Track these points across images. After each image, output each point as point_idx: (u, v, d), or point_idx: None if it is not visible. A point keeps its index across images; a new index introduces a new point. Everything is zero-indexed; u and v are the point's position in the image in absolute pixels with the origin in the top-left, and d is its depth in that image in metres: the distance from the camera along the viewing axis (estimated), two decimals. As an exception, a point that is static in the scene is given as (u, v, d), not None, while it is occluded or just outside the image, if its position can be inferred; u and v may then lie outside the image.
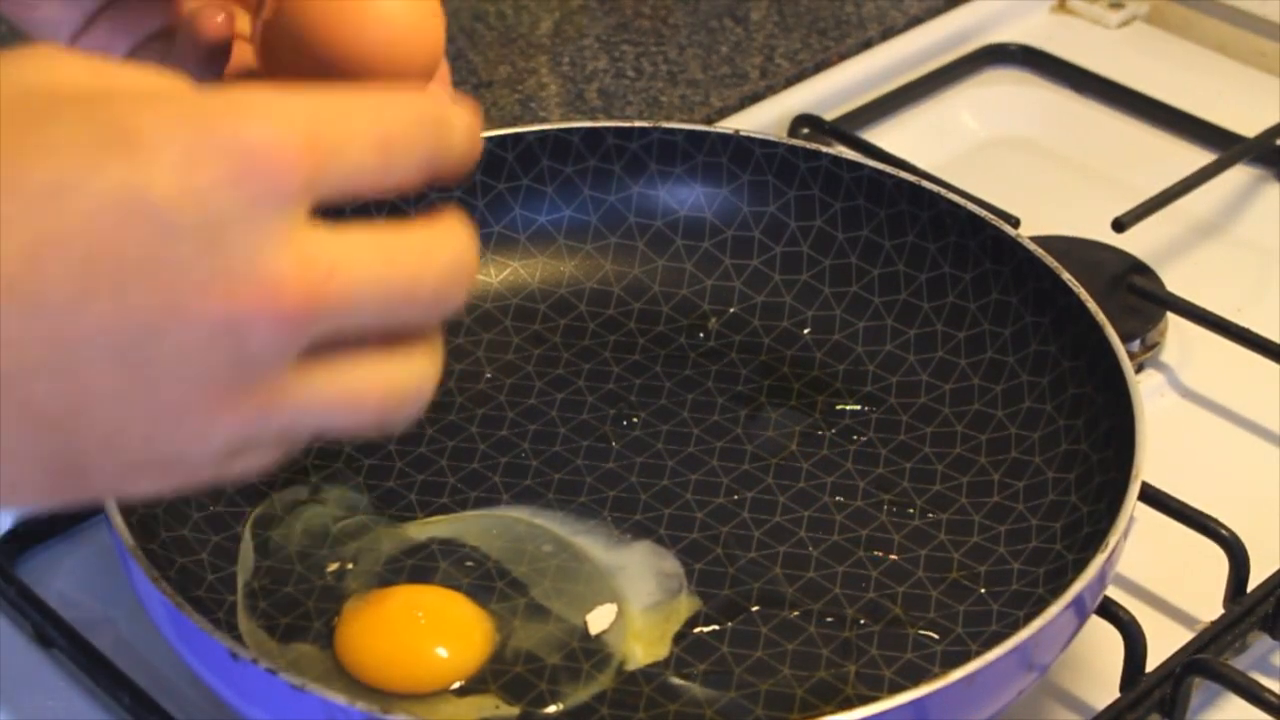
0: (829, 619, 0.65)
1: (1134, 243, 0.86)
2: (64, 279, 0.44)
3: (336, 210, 0.47)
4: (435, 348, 0.49)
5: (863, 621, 0.65)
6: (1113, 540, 0.61)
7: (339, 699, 0.54)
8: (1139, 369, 0.82)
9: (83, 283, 0.44)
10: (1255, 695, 0.64)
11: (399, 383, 0.48)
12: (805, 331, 0.77)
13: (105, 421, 0.45)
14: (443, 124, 0.49)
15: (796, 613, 0.66)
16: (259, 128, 0.44)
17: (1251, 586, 0.69)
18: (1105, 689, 0.66)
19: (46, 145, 0.44)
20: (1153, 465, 0.65)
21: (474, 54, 1.00)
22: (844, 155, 0.78)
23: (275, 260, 0.44)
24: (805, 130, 0.93)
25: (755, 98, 0.98)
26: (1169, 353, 0.83)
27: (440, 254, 0.48)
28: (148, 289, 0.44)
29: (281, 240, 0.45)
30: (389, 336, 0.48)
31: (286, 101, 0.46)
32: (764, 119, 0.96)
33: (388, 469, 0.71)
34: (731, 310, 0.78)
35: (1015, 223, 0.82)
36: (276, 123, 0.45)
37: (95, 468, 0.46)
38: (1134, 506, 0.62)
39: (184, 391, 0.45)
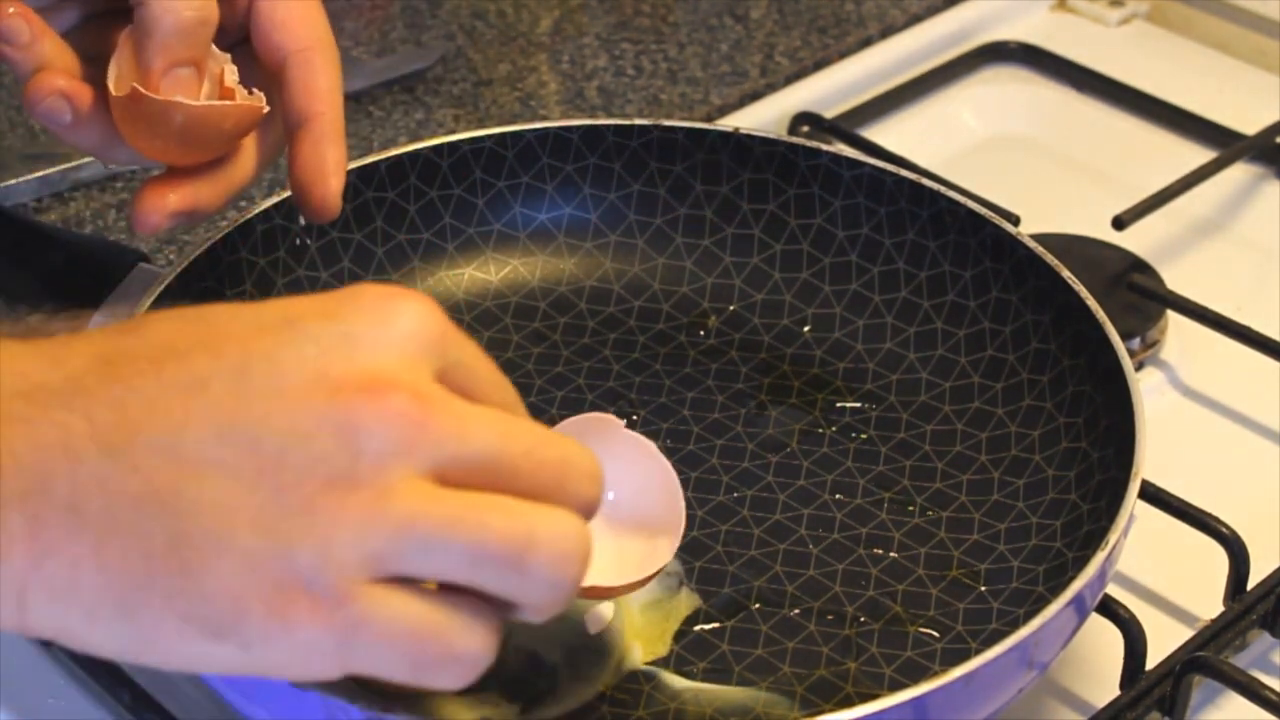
0: (829, 617, 0.65)
1: (1134, 240, 0.86)
2: (185, 368, 0.46)
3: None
4: (495, 634, 0.49)
5: (863, 619, 0.65)
6: (1113, 538, 0.61)
7: (339, 698, 0.54)
8: (1139, 367, 0.82)
9: (204, 364, 0.46)
10: (1255, 693, 0.64)
11: (458, 640, 0.48)
12: (805, 329, 0.77)
13: (212, 499, 0.45)
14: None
15: (796, 610, 0.66)
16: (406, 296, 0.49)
17: (1251, 584, 0.69)
18: (1105, 687, 0.66)
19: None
20: (1153, 463, 0.65)
21: (474, 52, 1.00)
22: (844, 153, 0.78)
23: (391, 371, 0.47)
24: (805, 128, 0.93)
25: (755, 96, 0.98)
26: (1169, 351, 0.83)
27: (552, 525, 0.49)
28: (265, 370, 0.46)
29: (404, 365, 0.47)
30: (468, 593, 0.48)
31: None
32: (764, 117, 0.96)
33: (388, 467, 0.70)
34: (731, 308, 0.78)
35: (1015, 220, 0.82)
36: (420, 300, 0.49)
37: (199, 562, 0.45)
38: (1134, 504, 0.62)
39: (289, 476, 0.46)
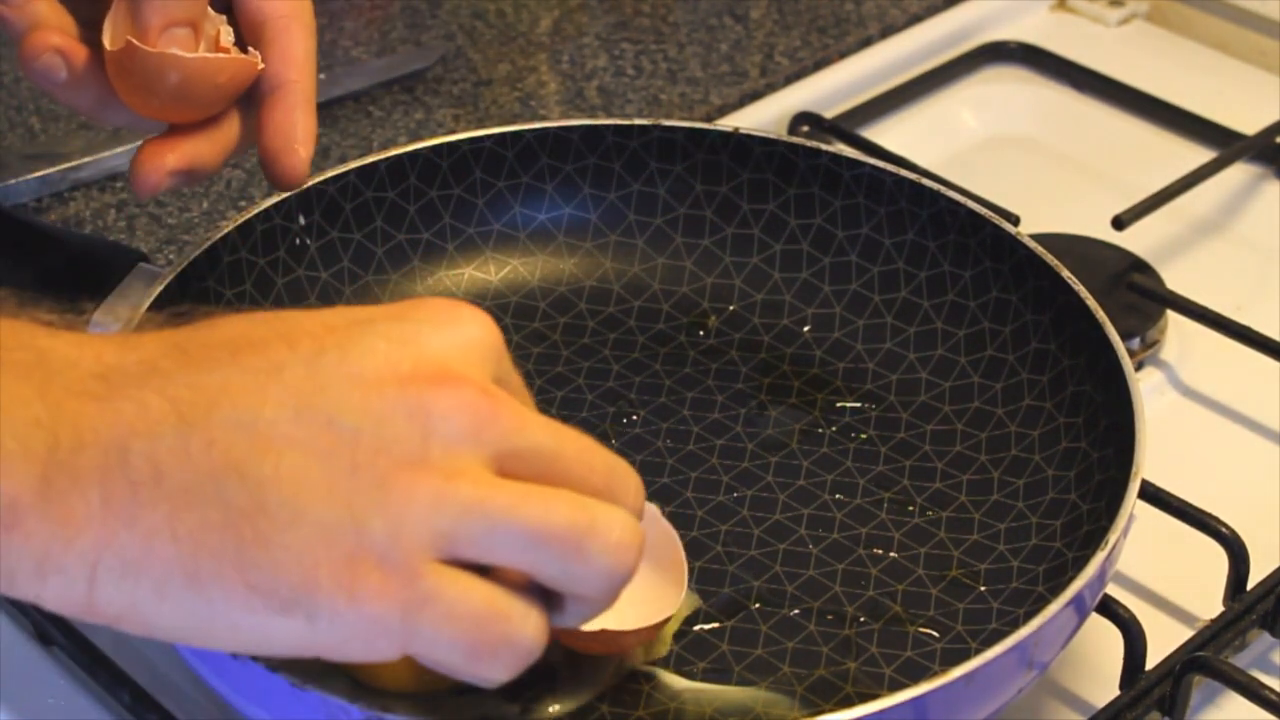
0: (829, 617, 0.65)
1: (1134, 240, 0.86)
2: (260, 355, 0.48)
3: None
4: (547, 627, 0.51)
5: (863, 619, 0.65)
6: (1112, 538, 0.61)
7: (339, 698, 0.54)
8: (1139, 367, 0.82)
9: (280, 353, 0.48)
10: (1255, 693, 0.64)
11: (516, 625, 0.49)
12: (805, 329, 0.77)
13: (288, 473, 0.46)
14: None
15: (796, 610, 0.66)
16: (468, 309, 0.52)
17: (1251, 584, 0.69)
18: (1105, 687, 0.66)
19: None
20: (1152, 463, 0.65)
21: (473, 52, 1.00)
22: (844, 153, 0.78)
23: (460, 366, 0.49)
24: (805, 128, 0.93)
25: (755, 96, 0.98)
26: (1169, 350, 0.83)
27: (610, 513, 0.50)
28: (338, 359, 0.48)
29: (470, 364, 0.50)
30: (525, 581, 0.50)
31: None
32: (764, 117, 0.96)
33: (388, 467, 0.70)
34: (731, 308, 0.78)
35: (1015, 220, 0.82)
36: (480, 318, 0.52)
37: (274, 531, 0.46)
38: (1134, 504, 0.62)
39: (363, 455, 0.47)
